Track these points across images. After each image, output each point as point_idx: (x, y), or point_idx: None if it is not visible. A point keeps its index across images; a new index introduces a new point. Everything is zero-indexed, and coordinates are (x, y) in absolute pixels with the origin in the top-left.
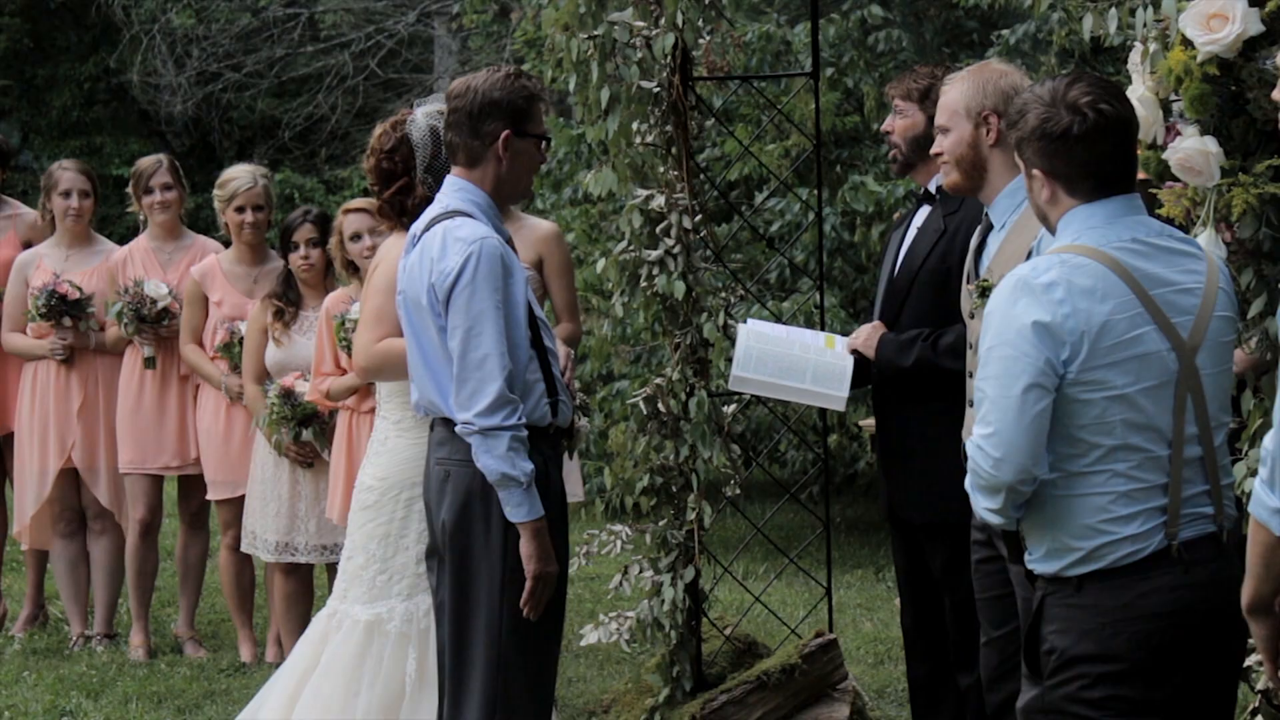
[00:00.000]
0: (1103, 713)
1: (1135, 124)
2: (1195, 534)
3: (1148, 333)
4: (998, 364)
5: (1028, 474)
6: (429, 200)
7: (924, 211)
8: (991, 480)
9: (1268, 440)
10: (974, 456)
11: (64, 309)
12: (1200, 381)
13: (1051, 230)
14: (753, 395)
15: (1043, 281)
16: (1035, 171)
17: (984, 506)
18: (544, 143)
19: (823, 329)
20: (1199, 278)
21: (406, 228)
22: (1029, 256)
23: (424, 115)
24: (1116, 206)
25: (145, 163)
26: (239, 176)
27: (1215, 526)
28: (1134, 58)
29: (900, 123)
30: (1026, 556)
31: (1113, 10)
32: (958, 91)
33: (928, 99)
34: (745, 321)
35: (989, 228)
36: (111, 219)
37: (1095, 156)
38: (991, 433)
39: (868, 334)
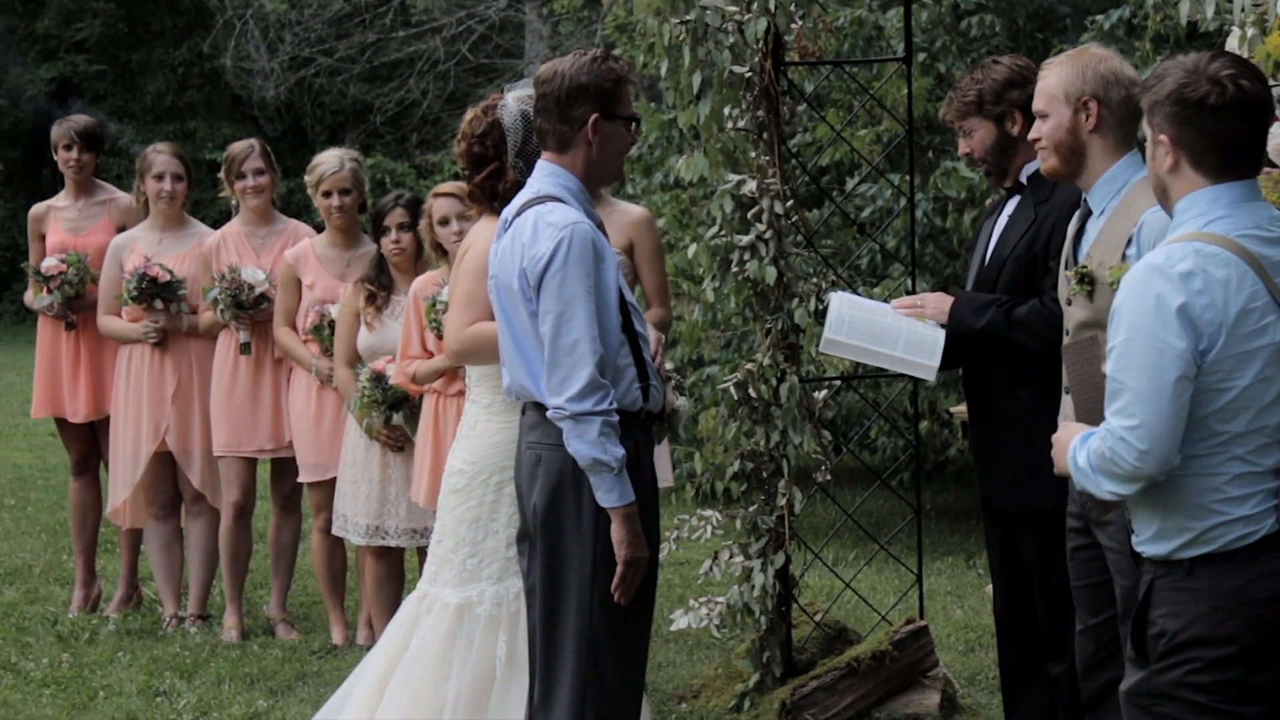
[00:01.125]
0: (1211, 697)
1: (1272, 109)
2: None
3: (1273, 322)
4: (1140, 355)
5: (1169, 466)
6: (520, 185)
7: (1014, 201)
8: (1134, 472)
9: None
10: (1115, 449)
11: (155, 292)
12: None
13: (1168, 205)
14: (837, 369)
15: (1180, 270)
16: (1163, 138)
17: (1110, 489)
18: (633, 125)
19: None
20: None
21: (497, 212)
22: (1129, 244)
23: (515, 100)
24: (1240, 191)
25: (237, 148)
26: (326, 161)
27: None
28: (1231, 42)
29: (972, 141)
30: (1134, 539)
31: None
32: (1056, 76)
33: (984, 105)
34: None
35: (1088, 214)
36: (204, 203)
37: (1226, 131)
38: (1137, 424)
39: (936, 300)
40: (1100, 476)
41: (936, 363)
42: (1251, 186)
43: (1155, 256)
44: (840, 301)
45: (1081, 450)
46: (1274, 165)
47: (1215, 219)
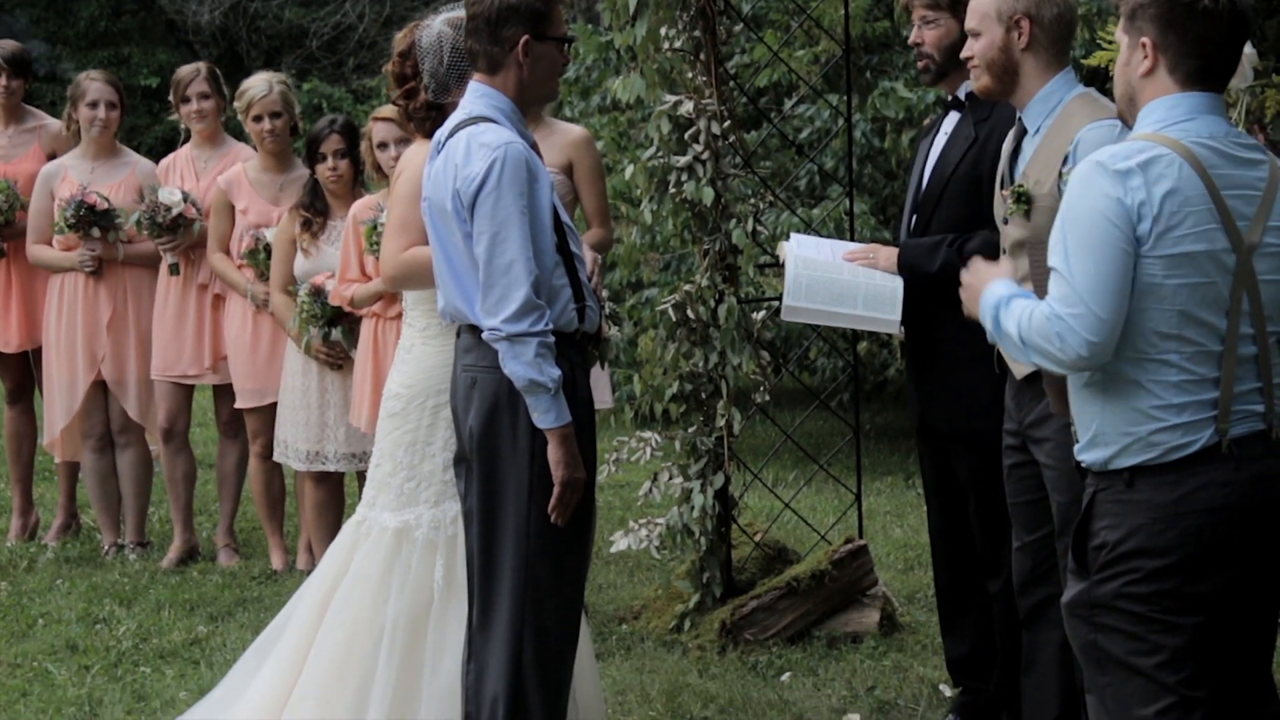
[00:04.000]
0: (1150, 607)
1: (1250, 26)
2: (1246, 430)
3: (1212, 230)
4: (1082, 247)
5: (1109, 356)
6: (432, 106)
7: (953, 118)
8: (1077, 360)
9: None
10: (1063, 335)
11: (93, 219)
12: (1256, 283)
13: (1132, 113)
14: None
15: (1120, 168)
16: (1144, 40)
17: (1041, 364)
18: (565, 45)
19: (852, 237)
20: (1264, 183)
21: (428, 134)
22: (1065, 161)
23: (441, 22)
24: (1204, 101)
25: (183, 71)
26: (254, 85)
27: (1265, 424)
28: None
29: (931, 33)
30: (1075, 447)
31: None
32: None
33: (958, 4)
34: (789, 239)
35: (1023, 133)
36: (140, 129)
37: (1210, 39)
38: (1083, 312)
39: (887, 253)
40: (1032, 351)
41: (898, 316)
42: (1216, 99)
43: (1101, 153)
44: (796, 264)
45: (1008, 316)
46: None
47: (1173, 124)
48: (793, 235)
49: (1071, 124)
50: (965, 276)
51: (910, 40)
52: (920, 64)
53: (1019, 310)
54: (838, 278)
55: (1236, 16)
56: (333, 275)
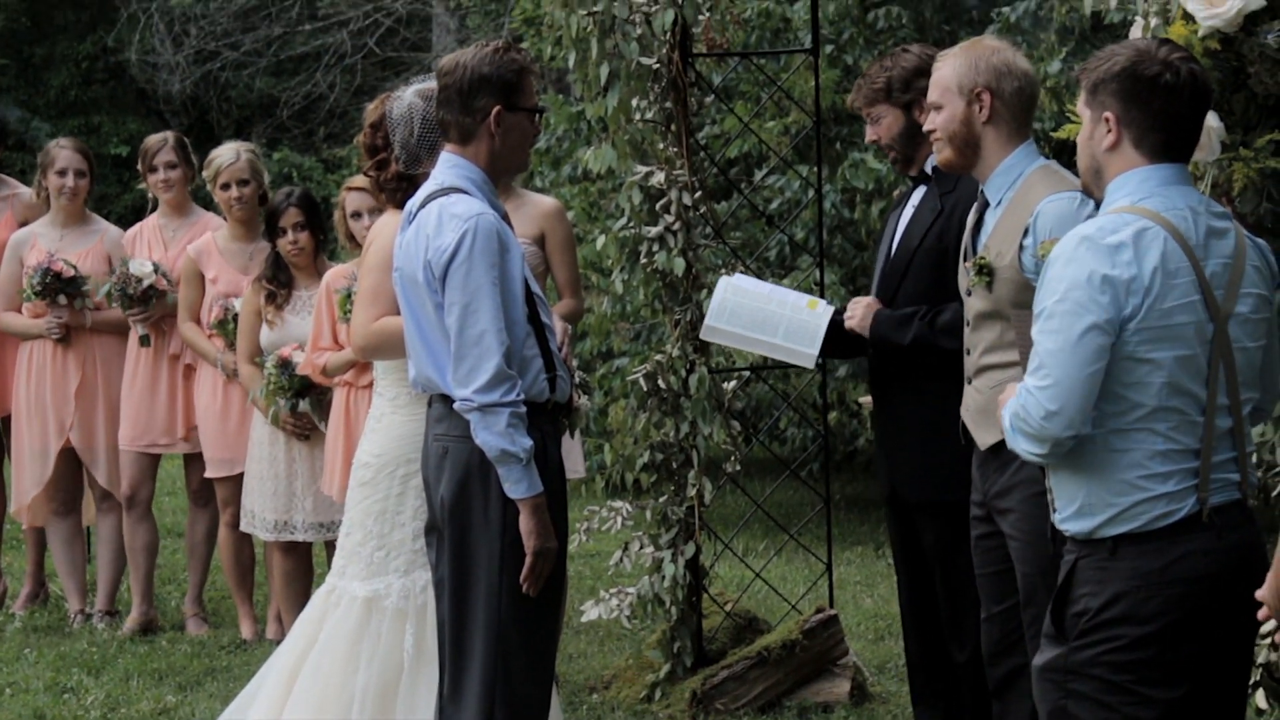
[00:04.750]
0: (1126, 676)
1: (1212, 97)
2: (1224, 499)
3: (1195, 301)
4: (1061, 319)
5: (1076, 429)
6: (403, 177)
7: (920, 191)
8: (1041, 431)
9: None
10: (1025, 405)
11: (59, 287)
12: (1232, 352)
13: (1100, 186)
14: (746, 362)
15: (1110, 242)
16: (1107, 115)
17: (1026, 449)
18: (536, 116)
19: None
20: (1233, 250)
21: (400, 204)
22: (1025, 233)
23: (412, 93)
24: (1173, 173)
25: (151, 141)
26: (222, 154)
27: (1240, 494)
28: (1134, 32)
29: (880, 127)
30: (1056, 516)
31: None
32: (950, 68)
33: (892, 92)
34: (732, 275)
35: (985, 205)
36: (110, 198)
37: (1172, 113)
38: (1049, 384)
39: (862, 312)
40: (1016, 435)
41: (815, 350)
42: (1184, 170)
43: (1088, 227)
44: (725, 288)
45: (1007, 410)
46: None
47: (1148, 196)
48: (735, 273)
49: (1032, 196)
50: (1000, 396)
51: (868, 140)
52: (889, 156)
53: (1011, 403)
54: (764, 307)
55: (1198, 90)
56: (300, 346)
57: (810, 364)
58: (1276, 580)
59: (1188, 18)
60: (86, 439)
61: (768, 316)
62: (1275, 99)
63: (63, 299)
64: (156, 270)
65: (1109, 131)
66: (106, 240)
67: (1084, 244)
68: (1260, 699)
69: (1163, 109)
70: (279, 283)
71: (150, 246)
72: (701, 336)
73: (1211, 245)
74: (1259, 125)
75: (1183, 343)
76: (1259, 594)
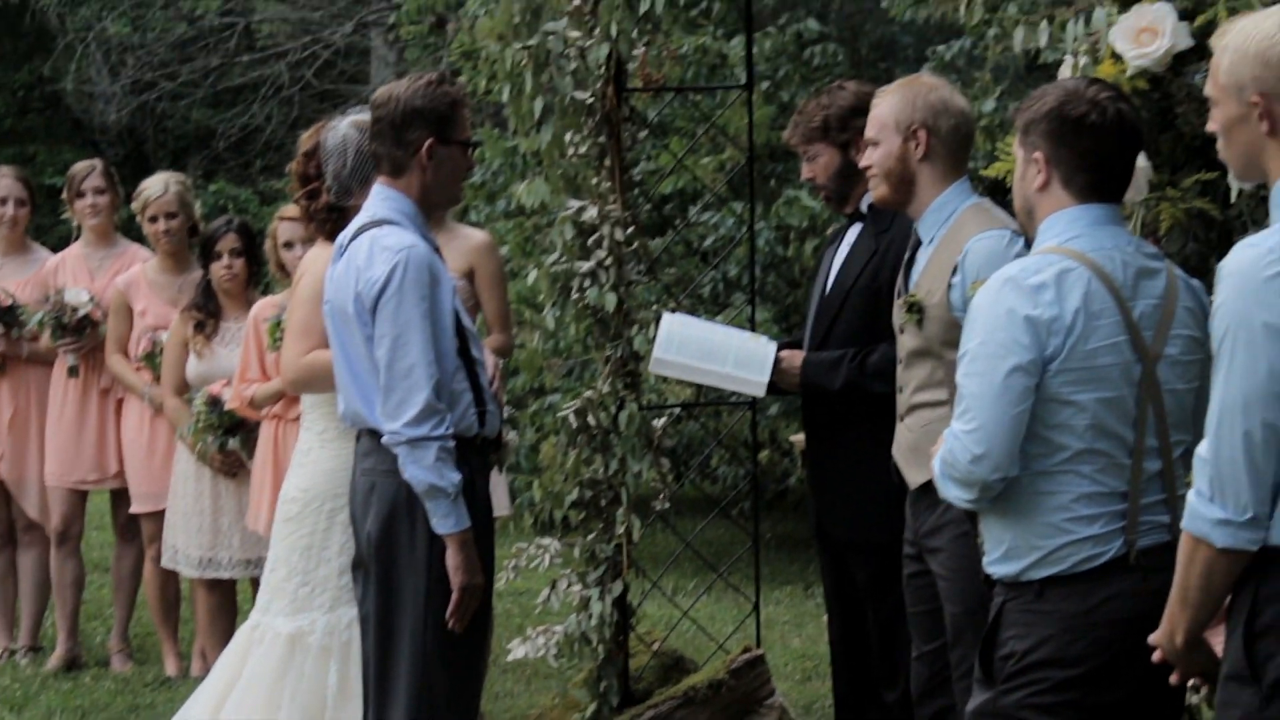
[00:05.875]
0: (1054, 718)
1: (1142, 137)
2: (1152, 542)
3: (1121, 342)
4: (984, 361)
5: (1003, 472)
6: (333, 208)
7: (855, 229)
8: (968, 475)
9: (1202, 449)
10: (952, 450)
11: None
12: (1161, 394)
13: (1032, 226)
14: (678, 397)
15: (1033, 282)
16: (1037, 155)
17: (956, 495)
18: (470, 149)
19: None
20: (1164, 290)
21: (330, 235)
22: (954, 272)
23: (347, 124)
24: (1102, 213)
25: (79, 167)
26: (151, 185)
27: (1170, 536)
28: (1064, 71)
29: (816, 165)
30: (985, 560)
31: (1044, 24)
32: (888, 105)
33: (829, 130)
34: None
35: (918, 243)
36: (45, 228)
37: (1102, 152)
38: (974, 428)
39: (788, 356)
40: (944, 480)
41: (766, 378)
42: (1114, 210)
43: (1011, 268)
44: (670, 321)
45: (936, 458)
46: None
47: (1075, 236)
48: (676, 312)
49: (963, 234)
50: (932, 447)
51: (803, 178)
52: (821, 195)
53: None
54: (710, 336)
55: (1126, 129)
56: (229, 382)
57: (761, 392)
58: (1169, 624)
59: (1116, 57)
60: (17, 471)
61: (715, 346)
62: (1202, 139)
63: None
64: (91, 300)
65: (1039, 172)
66: (45, 268)
67: (1007, 285)
68: None
69: (1090, 149)
70: (207, 311)
71: (75, 276)
72: (650, 369)
73: (1141, 285)
74: (1186, 165)
75: (1107, 384)
76: (1152, 638)
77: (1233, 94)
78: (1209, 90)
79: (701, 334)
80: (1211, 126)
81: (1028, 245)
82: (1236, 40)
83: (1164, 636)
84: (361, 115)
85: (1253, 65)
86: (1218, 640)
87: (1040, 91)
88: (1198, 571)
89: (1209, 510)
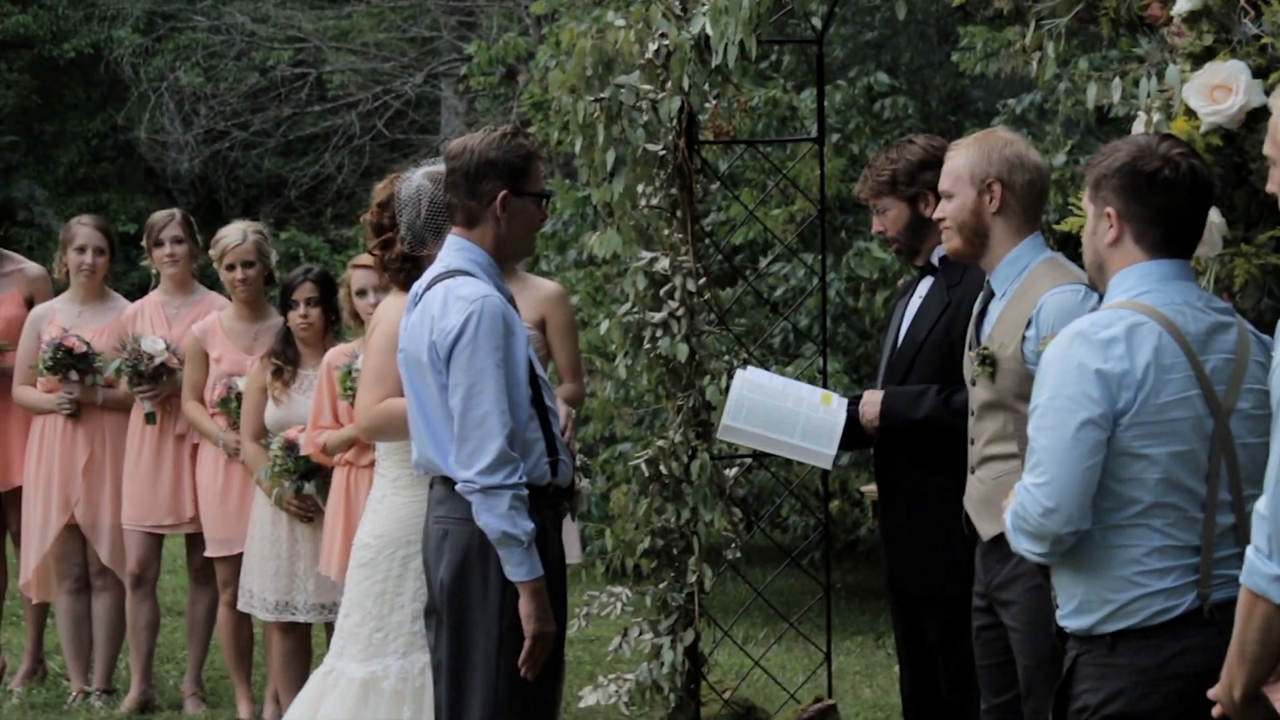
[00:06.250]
0: None
1: (1214, 193)
2: (1226, 596)
3: (1193, 396)
4: (1055, 415)
5: (1075, 525)
6: (407, 258)
7: (927, 282)
8: (1039, 529)
9: (1261, 505)
10: (1023, 503)
11: (70, 363)
12: (1234, 448)
13: (1102, 281)
14: (747, 449)
15: (1103, 337)
16: (1109, 210)
17: (1028, 549)
18: (543, 201)
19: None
20: (1236, 345)
21: (403, 285)
22: (1028, 325)
23: (421, 175)
24: (1173, 268)
25: (158, 216)
26: (229, 234)
27: None
28: (1137, 127)
29: (885, 220)
30: (1058, 613)
31: (1117, 80)
32: (963, 158)
33: (898, 185)
34: (744, 369)
35: (990, 295)
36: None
37: (1173, 207)
38: (1046, 481)
39: (868, 397)
40: (1016, 534)
41: (833, 451)
42: (1184, 266)
43: (1082, 323)
44: (741, 385)
45: (1008, 511)
46: None
47: (1145, 291)
48: (748, 367)
49: (1036, 289)
50: (1004, 502)
51: (874, 230)
52: (892, 248)
53: (1011, 502)
54: (780, 404)
55: (1198, 185)
56: (305, 428)
57: (828, 464)
58: (1228, 678)
59: (1190, 113)
60: (92, 515)
61: (784, 415)
62: (1276, 195)
63: (74, 374)
64: (167, 348)
65: (1110, 227)
66: (124, 317)
67: (1077, 339)
68: None
69: (1162, 204)
70: (286, 358)
71: (153, 323)
72: (719, 436)
73: (1213, 340)
74: (1260, 221)
75: (1179, 438)
76: (1211, 693)
77: None
78: (1268, 150)
79: (772, 400)
80: (1271, 187)
81: (1100, 300)
82: None
83: (1223, 691)
84: (435, 167)
85: None
86: (1278, 696)
87: (1111, 147)
88: (1255, 626)
89: (1267, 566)
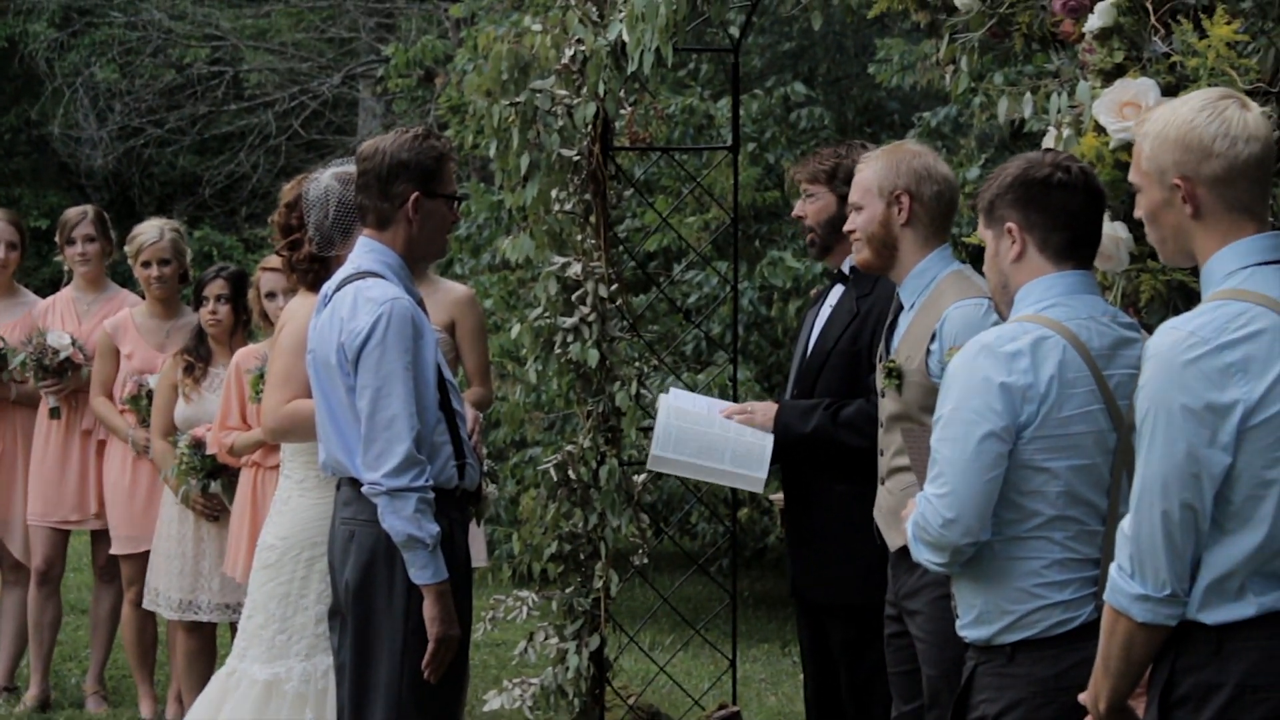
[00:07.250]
0: None
1: (1105, 198)
2: None
3: (1096, 411)
4: (958, 427)
5: (974, 536)
6: (315, 258)
7: (838, 291)
8: (939, 539)
9: (1125, 525)
10: (924, 513)
11: None
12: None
13: (1007, 299)
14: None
15: (1008, 350)
16: (1010, 226)
17: (928, 559)
18: (455, 202)
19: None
20: (1139, 361)
21: (311, 286)
22: (932, 339)
23: (329, 176)
24: (1079, 280)
25: (71, 213)
26: (146, 231)
27: None
28: (1047, 141)
29: (811, 206)
30: (958, 623)
31: (1029, 95)
32: (871, 170)
33: (835, 179)
34: (667, 391)
35: (900, 308)
36: (28, 270)
37: (1071, 209)
38: (947, 492)
39: (764, 408)
40: (916, 543)
41: (764, 474)
42: (1089, 278)
43: (988, 336)
44: (668, 413)
45: (909, 520)
46: None
47: (1052, 305)
48: (671, 389)
49: (942, 302)
50: (904, 511)
51: (794, 213)
52: (806, 238)
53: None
54: (708, 431)
55: (1091, 187)
56: (213, 427)
57: (759, 488)
58: (1094, 690)
59: (1099, 129)
60: (3, 511)
61: (712, 441)
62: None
63: None
64: (73, 343)
65: (1013, 243)
66: (35, 313)
67: (982, 352)
68: None
69: (1061, 206)
70: (199, 355)
71: (64, 319)
72: (649, 466)
73: (1117, 355)
74: None
75: (1081, 452)
76: (1081, 698)
77: (1155, 179)
78: (1133, 177)
79: (699, 426)
80: (1138, 213)
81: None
82: (1156, 127)
83: (1090, 700)
84: (343, 167)
85: (1173, 150)
86: (1141, 708)
87: (996, 171)
88: (1118, 643)
89: (1129, 585)
